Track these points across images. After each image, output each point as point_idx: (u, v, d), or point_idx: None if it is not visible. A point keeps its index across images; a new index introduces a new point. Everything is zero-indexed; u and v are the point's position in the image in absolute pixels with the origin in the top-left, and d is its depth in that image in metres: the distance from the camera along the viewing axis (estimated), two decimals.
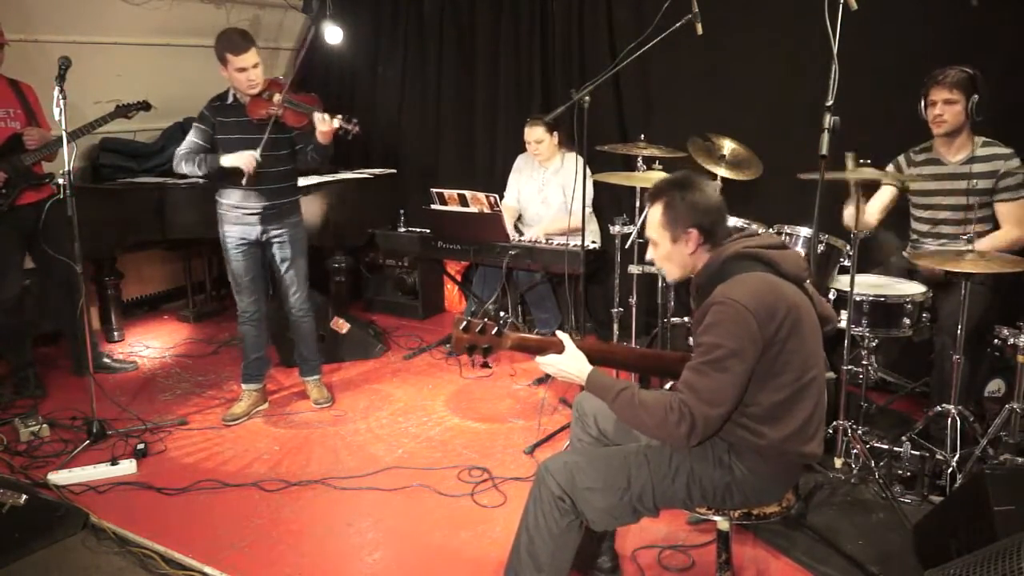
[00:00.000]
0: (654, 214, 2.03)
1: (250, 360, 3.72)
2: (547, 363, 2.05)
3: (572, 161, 4.35)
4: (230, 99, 3.43)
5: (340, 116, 3.36)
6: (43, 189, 3.76)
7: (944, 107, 3.06)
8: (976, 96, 3.00)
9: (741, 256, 1.94)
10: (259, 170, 3.34)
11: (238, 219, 3.49)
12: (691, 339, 1.96)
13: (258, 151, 3.29)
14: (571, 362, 2.04)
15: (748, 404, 1.89)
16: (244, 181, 3.32)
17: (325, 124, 3.31)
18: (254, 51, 3.29)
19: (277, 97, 3.33)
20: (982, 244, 2.90)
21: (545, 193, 4.49)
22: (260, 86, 3.35)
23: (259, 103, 3.35)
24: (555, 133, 4.37)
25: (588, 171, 3.89)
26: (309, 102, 3.40)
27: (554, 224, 4.34)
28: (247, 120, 3.37)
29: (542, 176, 4.51)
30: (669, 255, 2.04)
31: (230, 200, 3.48)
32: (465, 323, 2.05)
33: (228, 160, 3.33)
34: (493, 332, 2.06)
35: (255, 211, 3.47)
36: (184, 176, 4.81)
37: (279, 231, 3.56)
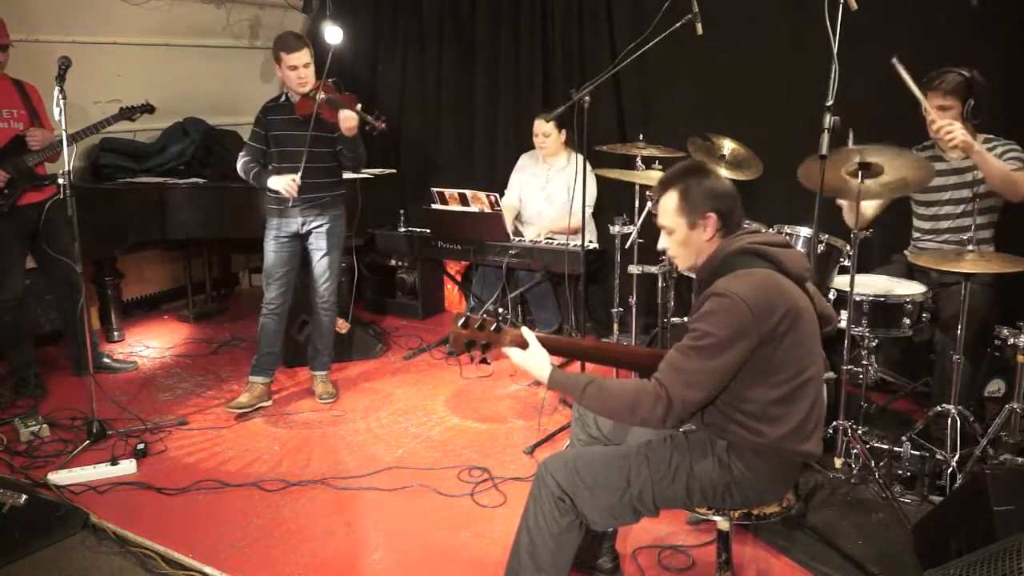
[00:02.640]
0: (669, 201, 2.00)
1: (263, 353, 3.76)
2: (511, 355, 2.06)
3: (579, 162, 4.35)
4: (283, 98, 3.65)
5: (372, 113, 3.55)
6: (45, 189, 3.76)
7: (939, 114, 3.03)
8: (972, 101, 2.93)
9: (745, 251, 1.94)
10: (303, 178, 3.50)
11: (281, 212, 3.64)
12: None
13: (298, 175, 3.48)
14: (533, 360, 2.03)
15: (745, 401, 1.89)
16: (289, 204, 3.54)
17: (347, 117, 3.47)
18: (306, 51, 3.50)
19: (320, 96, 3.50)
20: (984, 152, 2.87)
21: (549, 191, 4.49)
22: (309, 85, 3.53)
23: (305, 101, 3.54)
24: (563, 131, 4.38)
25: (589, 167, 3.89)
26: (346, 100, 3.53)
27: (555, 223, 4.34)
28: (295, 117, 3.58)
29: (546, 173, 4.51)
30: (685, 241, 2.01)
31: (276, 193, 3.63)
32: (464, 319, 2.04)
33: (272, 183, 3.54)
34: (492, 328, 2.05)
35: (297, 204, 3.62)
36: (184, 176, 4.83)
37: (319, 222, 3.70)
